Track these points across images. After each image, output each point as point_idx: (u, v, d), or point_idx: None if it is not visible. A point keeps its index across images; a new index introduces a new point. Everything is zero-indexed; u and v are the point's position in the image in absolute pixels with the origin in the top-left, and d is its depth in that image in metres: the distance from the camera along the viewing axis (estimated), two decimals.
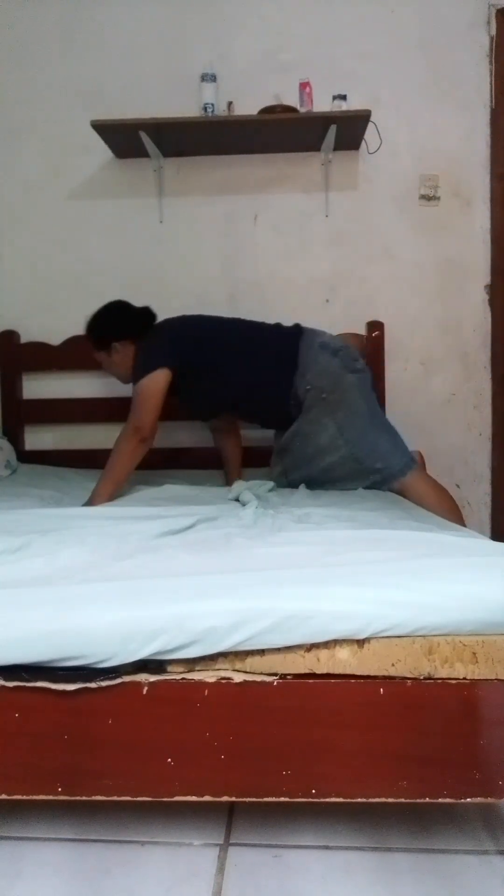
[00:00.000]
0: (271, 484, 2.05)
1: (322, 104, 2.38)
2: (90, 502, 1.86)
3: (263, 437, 2.59)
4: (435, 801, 0.97)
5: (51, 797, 0.97)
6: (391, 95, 2.55)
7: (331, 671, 0.97)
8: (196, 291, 2.61)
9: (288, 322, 2.60)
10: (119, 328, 2.11)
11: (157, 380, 1.97)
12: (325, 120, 2.33)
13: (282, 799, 0.97)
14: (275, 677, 0.97)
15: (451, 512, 1.96)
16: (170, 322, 2.14)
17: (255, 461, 2.47)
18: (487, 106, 2.57)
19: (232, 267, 2.63)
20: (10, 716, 0.96)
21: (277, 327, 2.16)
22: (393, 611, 0.97)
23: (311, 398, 1.99)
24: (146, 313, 2.16)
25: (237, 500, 1.84)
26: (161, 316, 2.19)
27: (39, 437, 2.66)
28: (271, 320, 2.56)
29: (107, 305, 2.17)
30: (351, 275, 2.62)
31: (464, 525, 1.97)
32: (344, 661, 0.97)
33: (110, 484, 1.89)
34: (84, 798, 0.98)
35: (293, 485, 2.09)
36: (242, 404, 2.16)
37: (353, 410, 2.00)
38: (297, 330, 2.12)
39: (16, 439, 2.59)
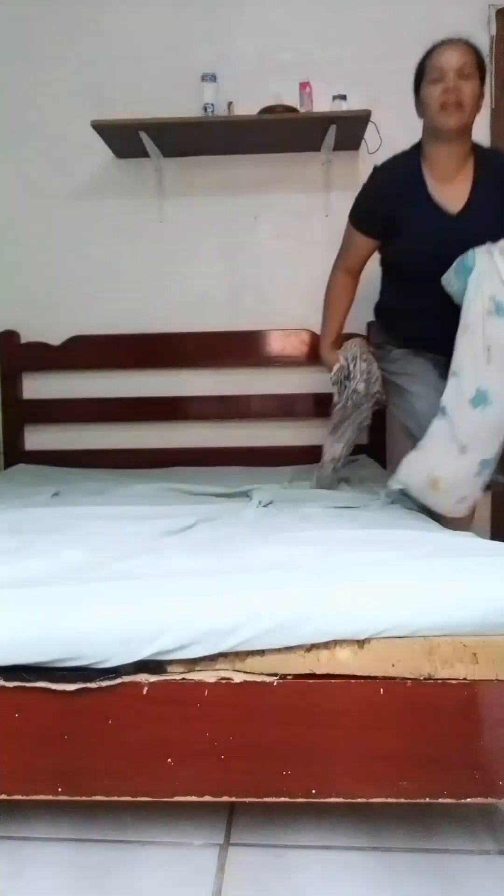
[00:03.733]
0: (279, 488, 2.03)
1: (322, 104, 2.38)
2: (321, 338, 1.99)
3: (277, 437, 2.60)
4: (435, 801, 0.97)
5: (51, 797, 0.98)
6: (391, 95, 2.54)
7: (331, 671, 0.97)
8: (196, 291, 2.61)
9: (289, 323, 2.61)
10: None
11: None
12: (325, 120, 2.33)
13: (282, 799, 0.97)
14: (275, 677, 0.97)
15: None
16: None
17: (266, 461, 2.47)
18: (487, 106, 2.56)
19: (232, 267, 2.62)
20: (10, 716, 0.96)
21: None
22: (393, 611, 0.97)
23: None
24: None
25: (246, 494, 1.84)
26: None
27: (39, 437, 2.65)
28: (272, 320, 2.58)
29: None
30: None
31: None
32: (344, 661, 0.97)
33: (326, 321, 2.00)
34: (84, 798, 0.98)
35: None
36: None
37: None
38: None
39: (16, 439, 2.59)
